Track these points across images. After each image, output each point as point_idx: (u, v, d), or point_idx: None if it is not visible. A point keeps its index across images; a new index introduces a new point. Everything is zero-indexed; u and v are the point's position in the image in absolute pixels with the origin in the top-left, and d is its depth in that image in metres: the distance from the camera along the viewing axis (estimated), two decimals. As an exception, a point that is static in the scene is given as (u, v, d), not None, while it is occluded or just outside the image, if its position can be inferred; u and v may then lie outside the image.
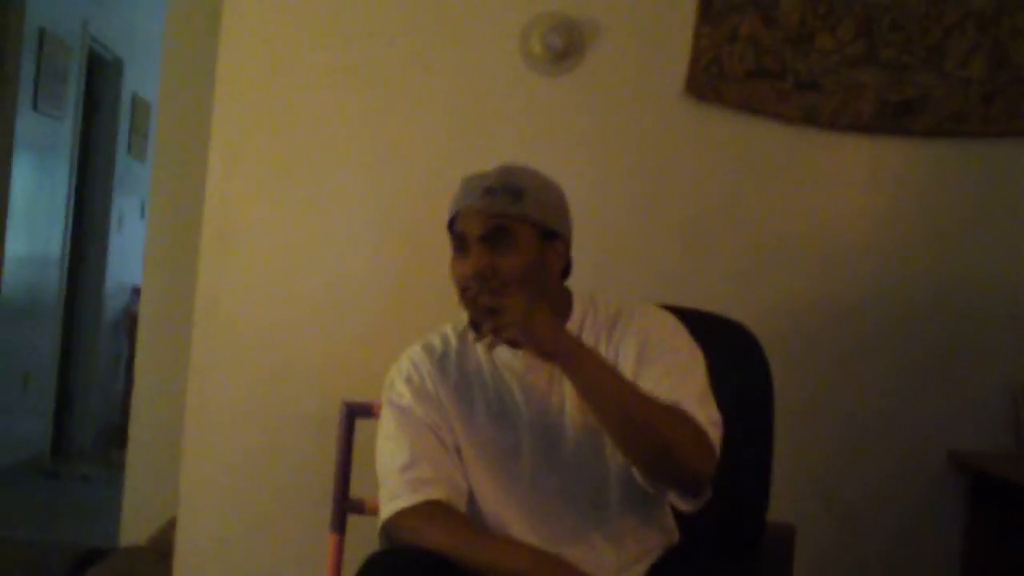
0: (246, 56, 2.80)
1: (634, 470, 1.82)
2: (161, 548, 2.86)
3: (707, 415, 1.79)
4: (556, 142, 2.75)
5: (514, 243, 1.84)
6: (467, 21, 2.80)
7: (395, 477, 1.85)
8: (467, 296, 1.83)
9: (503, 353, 1.90)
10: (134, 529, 3.15)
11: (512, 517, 1.87)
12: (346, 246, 2.80)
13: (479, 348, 1.93)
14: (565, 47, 2.76)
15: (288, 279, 2.80)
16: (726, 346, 2.11)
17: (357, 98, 2.80)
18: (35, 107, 5.04)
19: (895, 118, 2.77)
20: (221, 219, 2.79)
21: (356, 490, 2.28)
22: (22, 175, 4.97)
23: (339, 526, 2.28)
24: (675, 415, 1.75)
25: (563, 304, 1.93)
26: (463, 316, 1.93)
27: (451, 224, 1.90)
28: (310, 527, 2.56)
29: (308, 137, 2.80)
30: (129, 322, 5.94)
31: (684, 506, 1.84)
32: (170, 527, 2.82)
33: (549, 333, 1.76)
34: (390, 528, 1.84)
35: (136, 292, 5.35)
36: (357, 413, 2.31)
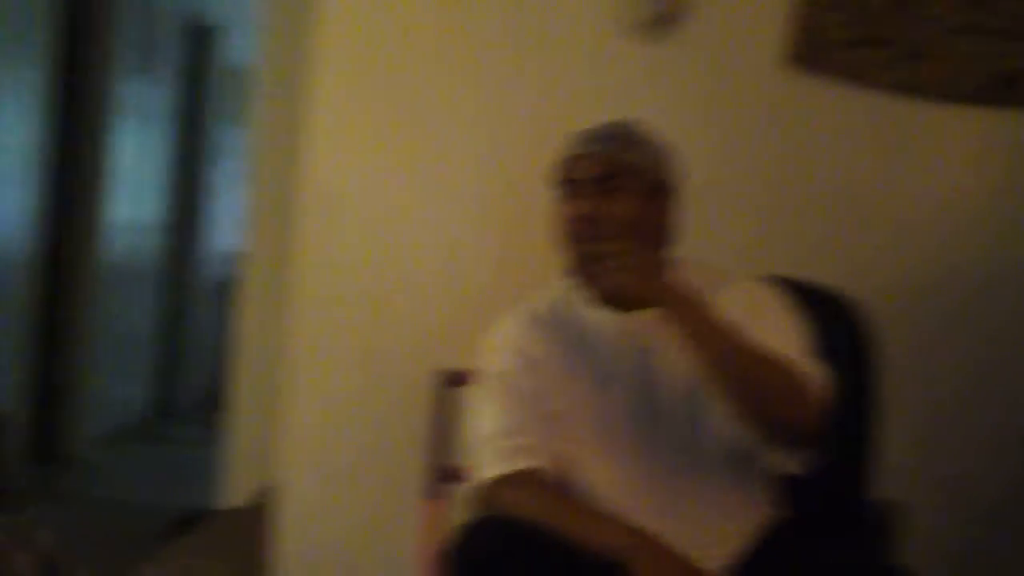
0: (346, 21, 2.81)
1: (741, 430, 1.79)
2: (261, 511, 2.90)
3: (816, 370, 1.77)
4: (655, 107, 2.70)
5: (625, 190, 1.85)
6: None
7: (494, 443, 1.85)
8: (575, 240, 1.83)
9: (608, 316, 1.88)
10: (234, 491, 3.20)
11: (615, 487, 1.85)
12: (447, 213, 2.80)
13: (584, 311, 1.91)
14: (666, 10, 2.73)
15: (390, 246, 2.81)
16: (831, 316, 2.09)
17: (456, 59, 2.80)
18: (135, 74, 5.12)
19: (1005, 89, 2.70)
20: (323, 185, 2.82)
21: (452, 458, 2.29)
22: (123, 141, 5.06)
23: (434, 493, 2.30)
24: (786, 365, 1.74)
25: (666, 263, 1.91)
26: (566, 281, 1.93)
27: (559, 172, 1.90)
28: (407, 494, 2.58)
29: (408, 102, 2.80)
30: (229, 287, 6.02)
31: (793, 467, 1.81)
32: (269, 490, 2.87)
33: (657, 281, 1.75)
34: (487, 495, 1.83)
35: (235, 258, 5.42)
36: (452, 381, 2.33)
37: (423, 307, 2.79)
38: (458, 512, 2.06)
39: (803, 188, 2.75)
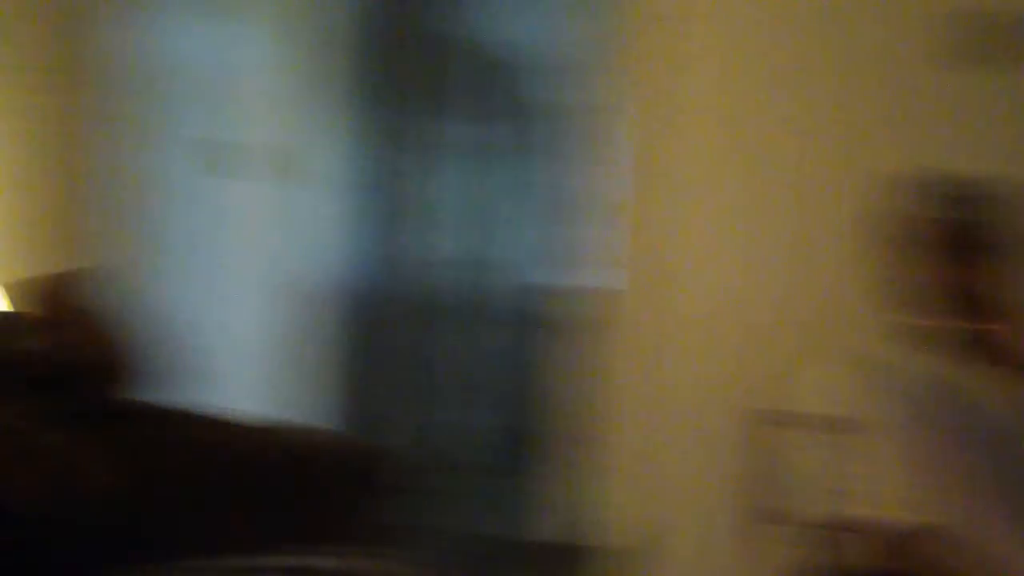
0: (688, 64, 2.88)
1: None
2: (623, 545, 2.93)
3: None
4: (995, 145, 2.62)
5: (996, 257, 1.80)
6: (897, 15, 2.73)
7: (888, 494, 1.83)
8: (950, 309, 1.80)
9: (994, 377, 1.82)
10: (590, 526, 3.25)
11: (1003, 549, 1.78)
12: (776, 252, 2.81)
13: (967, 371, 1.85)
14: (999, 43, 2.62)
15: (724, 286, 2.85)
16: None
17: (788, 99, 2.81)
18: (452, 111, 5.29)
19: None
20: (654, 218, 2.88)
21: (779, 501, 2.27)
22: (442, 178, 5.24)
23: (768, 536, 2.27)
24: None
25: None
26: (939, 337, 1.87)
27: (922, 232, 1.85)
28: (742, 534, 2.57)
29: (740, 139, 2.85)
30: (551, 321, 6.11)
31: None
32: (629, 525, 2.90)
33: None
34: (879, 547, 1.81)
35: (563, 292, 5.50)
36: (785, 422, 2.29)
37: (758, 347, 2.79)
38: (819, 556, 2.04)
39: None
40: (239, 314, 3.85)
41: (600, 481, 2.98)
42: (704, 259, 2.86)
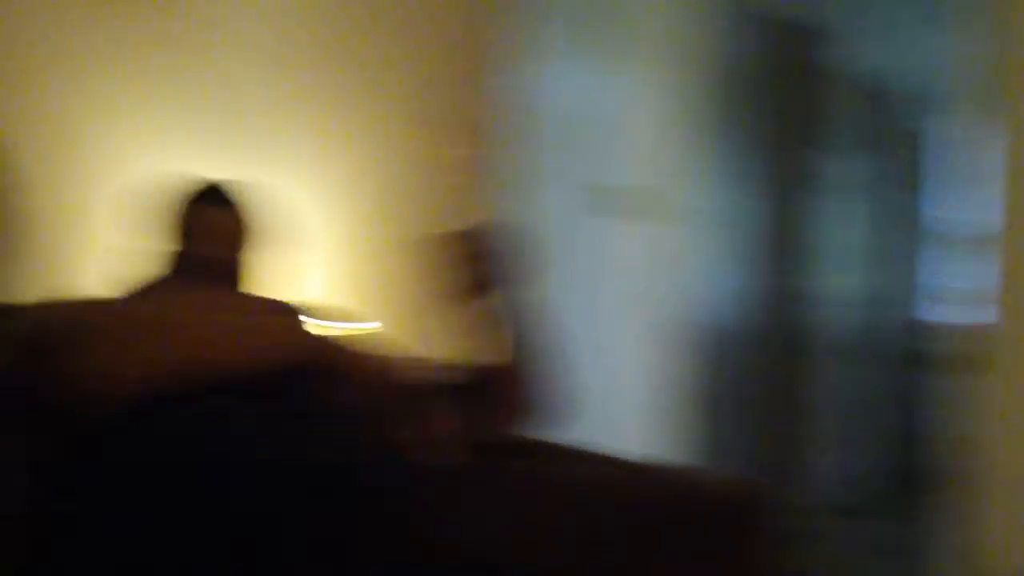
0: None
1: None
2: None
3: None
4: None
5: None
6: None
7: None
8: None
9: None
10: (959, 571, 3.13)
11: None
12: None
13: None
14: None
15: None
16: None
17: None
18: (829, 145, 5.21)
19: None
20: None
21: None
22: (822, 212, 5.16)
23: None
24: None
25: None
26: None
27: None
28: None
29: None
30: (931, 358, 5.89)
31: None
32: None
33: None
34: None
35: (942, 328, 5.30)
36: None
37: None
38: None
39: None
40: (615, 351, 3.93)
41: (986, 528, 2.84)
42: None
